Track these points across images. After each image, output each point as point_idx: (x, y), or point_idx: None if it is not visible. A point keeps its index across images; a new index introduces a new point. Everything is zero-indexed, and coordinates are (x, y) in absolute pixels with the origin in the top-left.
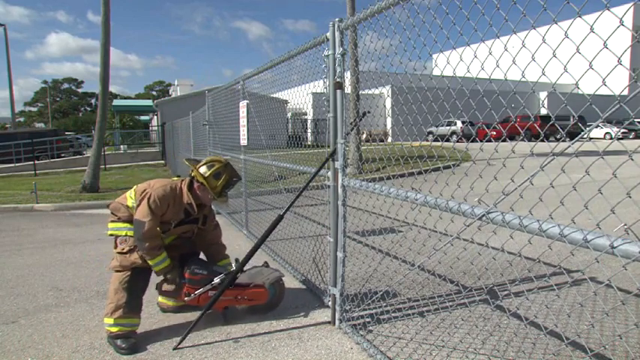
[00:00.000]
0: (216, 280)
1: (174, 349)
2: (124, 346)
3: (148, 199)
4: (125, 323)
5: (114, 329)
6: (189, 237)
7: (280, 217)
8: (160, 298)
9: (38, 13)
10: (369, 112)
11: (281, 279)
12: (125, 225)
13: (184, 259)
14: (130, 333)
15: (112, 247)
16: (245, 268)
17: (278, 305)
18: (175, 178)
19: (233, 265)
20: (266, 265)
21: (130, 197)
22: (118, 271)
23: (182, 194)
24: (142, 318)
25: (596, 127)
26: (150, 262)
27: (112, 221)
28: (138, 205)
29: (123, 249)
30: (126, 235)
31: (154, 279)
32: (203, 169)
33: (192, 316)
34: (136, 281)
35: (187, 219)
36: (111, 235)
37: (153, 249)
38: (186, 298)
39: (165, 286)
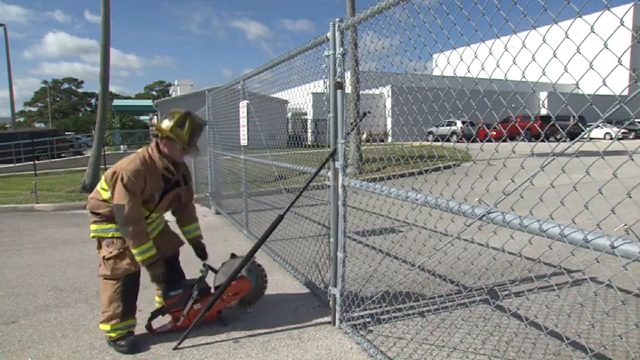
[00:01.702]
0: (195, 291)
1: (174, 349)
2: (123, 343)
3: (122, 179)
4: (122, 327)
5: (113, 334)
6: (176, 206)
7: (280, 218)
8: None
9: (36, 13)
10: (369, 112)
11: (255, 261)
12: (110, 225)
13: (168, 264)
14: (129, 333)
15: None
16: (216, 267)
17: (266, 288)
18: (140, 150)
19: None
20: (233, 256)
21: (102, 190)
22: (108, 278)
23: (154, 160)
24: (142, 318)
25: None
26: (134, 251)
27: (95, 222)
28: (113, 190)
29: (111, 253)
30: (112, 237)
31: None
32: (165, 123)
33: None
34: (130, 288)
35: (169, 186)
36: (94, 237)
37: (138, 234)
38: (177, 324)
39: (155, 326)
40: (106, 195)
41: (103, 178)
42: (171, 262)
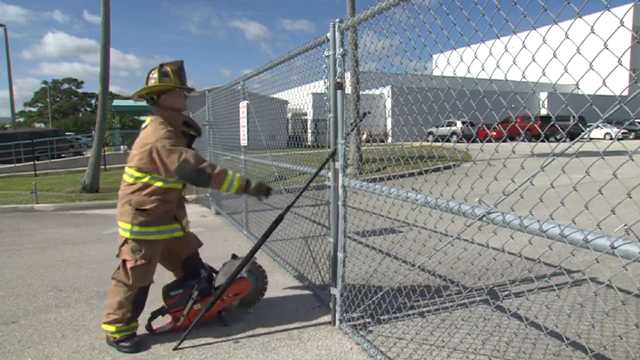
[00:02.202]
0: (195, 291)
1: (174, 349)
2: (127, 344)
3: (164, 145)
4: (127, 329)
5: (117, 336)
6: None
7: (281, 217)
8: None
9: (35, 13)
10: (369, 112)
11: (255, 262)
12: (155, 228)
13: (187, 264)
14: (132, 335)
15: (112, 247)
16: (217, 267)
17: (266, 289)
18: (150, 121)
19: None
20: (234, 257)
21: (136, 179)
22: (124, 285)
23: (170, 121)
24: (142, 318)
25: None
26: (224, 189)
27: (140, 223)
28: (160, 163)
29: (136, 262)
30: (146, 243)
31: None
32: (151, 82)
33: None
34: (142, 297)
35: (189, 140)
36: (134, 239)
37: (218, 174)
38: (177, 324)
39: (156, 324)
40: (147, 179)
41: (128, 169)
42: (190, 261)
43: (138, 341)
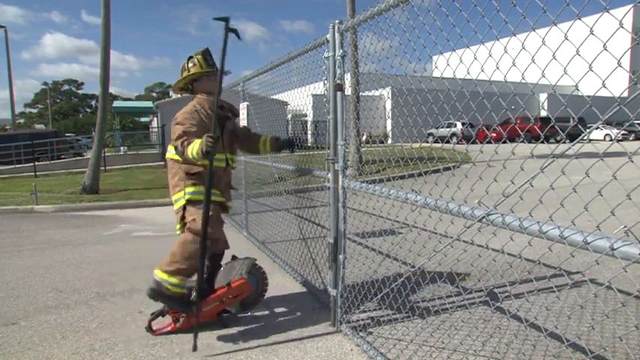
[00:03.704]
0: (193, 293)
1: (193, 350)
2: (180, 303)
3: (175, 128)
4: (183, 285)
5: (176, 290)
6: (237, 140)
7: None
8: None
9: (34, 14)
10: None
11: (256, 264)
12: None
13: (211, 261)
14: (186, 294)
15: (112, 248)
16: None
17: (266, 291)
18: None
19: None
20: (234, 258)
21: (172, 154)
22: (196, 234)
23: (203, 106)
24: (142, 320)
25: (597, 128)
26: (191, 155)
27: (193, 184)
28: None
29: (193, 219)
30: (198, 202)
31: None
32: (184, 74)
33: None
34: (204, 253)
35: (224, 122)
36: (190, 199)
37: (185, 147)
38: (177, 325)
39: (156, 325)
40: (173, 152)
41: (170, 146)
42: (214, 259)
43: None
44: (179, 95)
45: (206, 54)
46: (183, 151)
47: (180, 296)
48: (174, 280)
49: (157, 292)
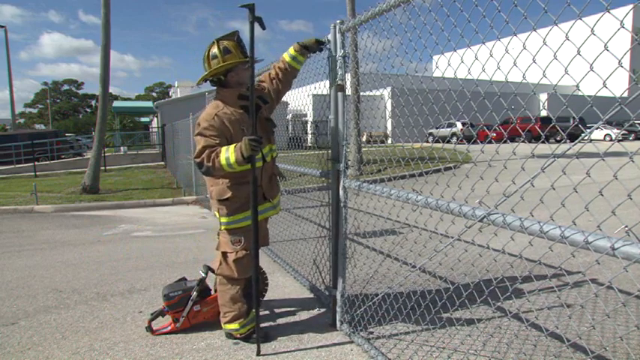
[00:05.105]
0: (194, 293)
1: (257, 355)
2: (256, 336)
3: (197, 140)
4: (249, 321)
5: (243, 331)
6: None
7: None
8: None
9: (32, 14)
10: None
11: None
12: (241, 215)
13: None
14: (255, 327)
15: (112, 248)
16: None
17: (266, 290)
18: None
19: (201, 273)
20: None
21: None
22: (231, 279)
23: (225, 101)
24: (142, 320)
25: (597, 128)
26: (223, 162)
27: (227, 213)
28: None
29: (237, 254)
30: (240, 230)
31: None
32: (214, 63)
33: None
34: (249, 285)
35: (257, 111)
36: (225, 229)
37: (213, 161)
38: (177, 325)
39: (156, 325)
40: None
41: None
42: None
43: (267, 332)
44: (179, 95)
45: (239, 40)
46: (213, 165)
47: (252, 331)
48: (235, 325)
49: (234, 337)
